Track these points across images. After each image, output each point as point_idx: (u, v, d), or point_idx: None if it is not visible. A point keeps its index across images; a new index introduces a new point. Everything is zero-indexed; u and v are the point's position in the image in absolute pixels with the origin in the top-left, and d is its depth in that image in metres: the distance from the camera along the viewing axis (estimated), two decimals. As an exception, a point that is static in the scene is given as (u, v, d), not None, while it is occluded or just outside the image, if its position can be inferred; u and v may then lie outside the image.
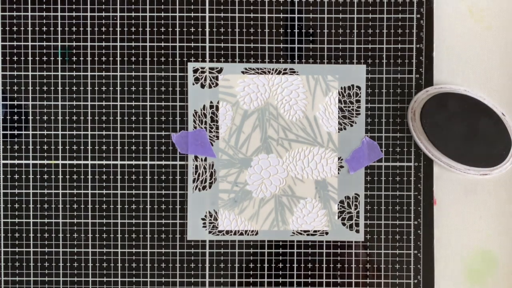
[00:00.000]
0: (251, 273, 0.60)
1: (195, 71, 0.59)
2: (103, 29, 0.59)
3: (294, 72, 0.59)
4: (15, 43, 0.59)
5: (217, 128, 0.60)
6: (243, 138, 0.60)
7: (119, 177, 0.60)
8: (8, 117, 0.60)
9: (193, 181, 0.60)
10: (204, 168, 0.60)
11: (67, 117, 0.60)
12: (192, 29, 0.59)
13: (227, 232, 0.60)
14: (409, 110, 0.58)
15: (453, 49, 0.59)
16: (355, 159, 0.59)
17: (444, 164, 0.58)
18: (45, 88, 0.59)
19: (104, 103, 0.59)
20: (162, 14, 0.59)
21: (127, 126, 0.60)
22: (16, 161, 0.60)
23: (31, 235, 0.60)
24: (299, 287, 0.60)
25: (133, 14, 0.59)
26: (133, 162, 0.60)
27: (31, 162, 0.60)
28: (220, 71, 0.59)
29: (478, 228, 0.60)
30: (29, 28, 0.59)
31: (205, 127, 0.60)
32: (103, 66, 0.59)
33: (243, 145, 0.60)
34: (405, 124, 0.59)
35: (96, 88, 0.59)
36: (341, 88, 0.59)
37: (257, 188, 0.60)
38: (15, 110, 0.60)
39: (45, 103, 0.59)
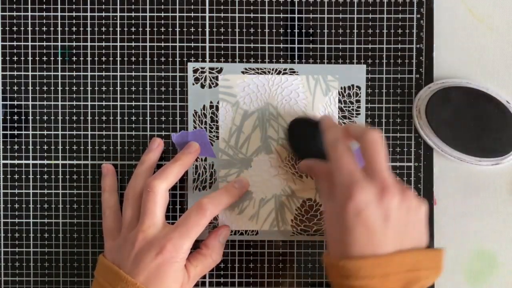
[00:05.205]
0: (251, 273, 0.60)
1: (195, 71, 0.59)
2: (103, 29, 0.59)
3: (294, 72, 0.59)
4: (15, 43, 0.59)
5: (217, 128, 0.60)
6: (243, 138, 0.60)
7: (119, 177, 0.59)
8: (8, 117, 0.60)
9: (193, 181, 0.60)
10: (204, 168, 0.60)
11: (67, 117, 0.60)
12: (192, 29, 0.59)
13: (227, 232, 0.60)
14: (413, 108, 0.58)
15: (453, 49, 0.59)
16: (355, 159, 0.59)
17: (455, 158, 0.58)
18: (45, 88, 0.59)
19: (104, 103, 0.59)
20: (162, 14, 0.59)
21: (127, 126, 0.60)
22: (16, 161, 0.60)
23: (31, 235, 0.60)
24: (299, 287, 0.60)
25: (133, 14, 0.59)
26: (133, 162, 0.59)
27: (31, 162, 0.60)
28: (220, 71, 0.59)
29: (478, 228, 0.60)
30: (29, 28, 0.59)
31: (205, 127, 0.60)
32: (103, 66, 0.59)
33: (243, 145, 0.60)
34: (405, 124, 0.59)
35: (96, 88, 0.59)
36: (341, 88, 0.59)
37: (257, 189, 0.60)
38: (15, 110, 0.60)
39: (45, 103, 0.59)
